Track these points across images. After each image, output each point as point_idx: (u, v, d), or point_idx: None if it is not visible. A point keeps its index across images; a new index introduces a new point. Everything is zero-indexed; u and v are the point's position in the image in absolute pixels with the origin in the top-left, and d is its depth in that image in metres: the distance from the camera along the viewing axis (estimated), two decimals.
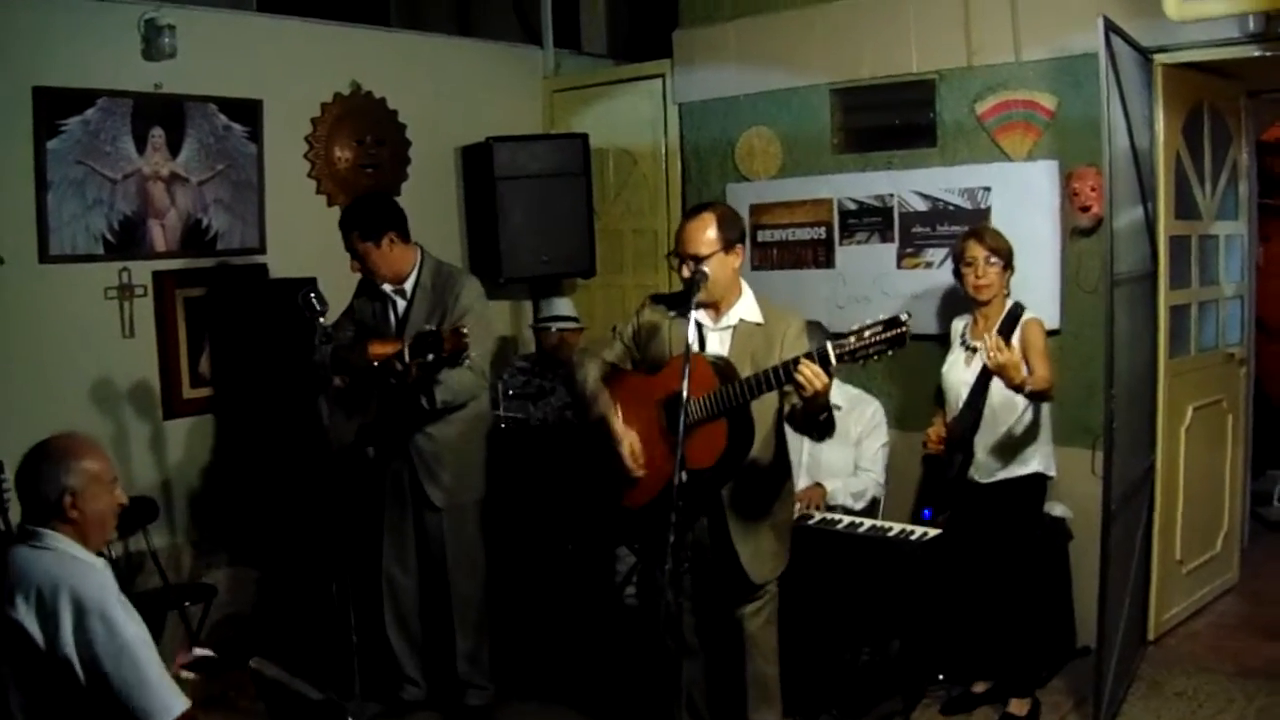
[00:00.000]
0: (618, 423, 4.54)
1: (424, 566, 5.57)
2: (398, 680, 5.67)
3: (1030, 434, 5.24)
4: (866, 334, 3.89)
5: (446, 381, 5.19)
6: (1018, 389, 5.00)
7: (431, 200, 7.35)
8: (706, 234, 4.44)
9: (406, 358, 4.88)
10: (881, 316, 3.90)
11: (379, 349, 5.14)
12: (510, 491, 6.21)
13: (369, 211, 5.37)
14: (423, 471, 5.40)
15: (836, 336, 3.96)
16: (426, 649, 5.68)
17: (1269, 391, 8.40)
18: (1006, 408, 5.22)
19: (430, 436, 5.37)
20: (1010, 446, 5.24)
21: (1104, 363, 4.95)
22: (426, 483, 5.41)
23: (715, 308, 4.57)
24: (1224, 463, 6.66)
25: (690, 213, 4.61)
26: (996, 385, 5.13)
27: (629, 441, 4.50)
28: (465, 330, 4.82)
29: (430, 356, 4.82)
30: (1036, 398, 5.09)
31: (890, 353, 3.91)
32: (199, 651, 3.81)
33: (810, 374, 3.95)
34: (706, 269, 4.37)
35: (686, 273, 4.43)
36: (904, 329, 3.86)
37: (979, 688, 5.56)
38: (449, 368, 5.07)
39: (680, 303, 4.57)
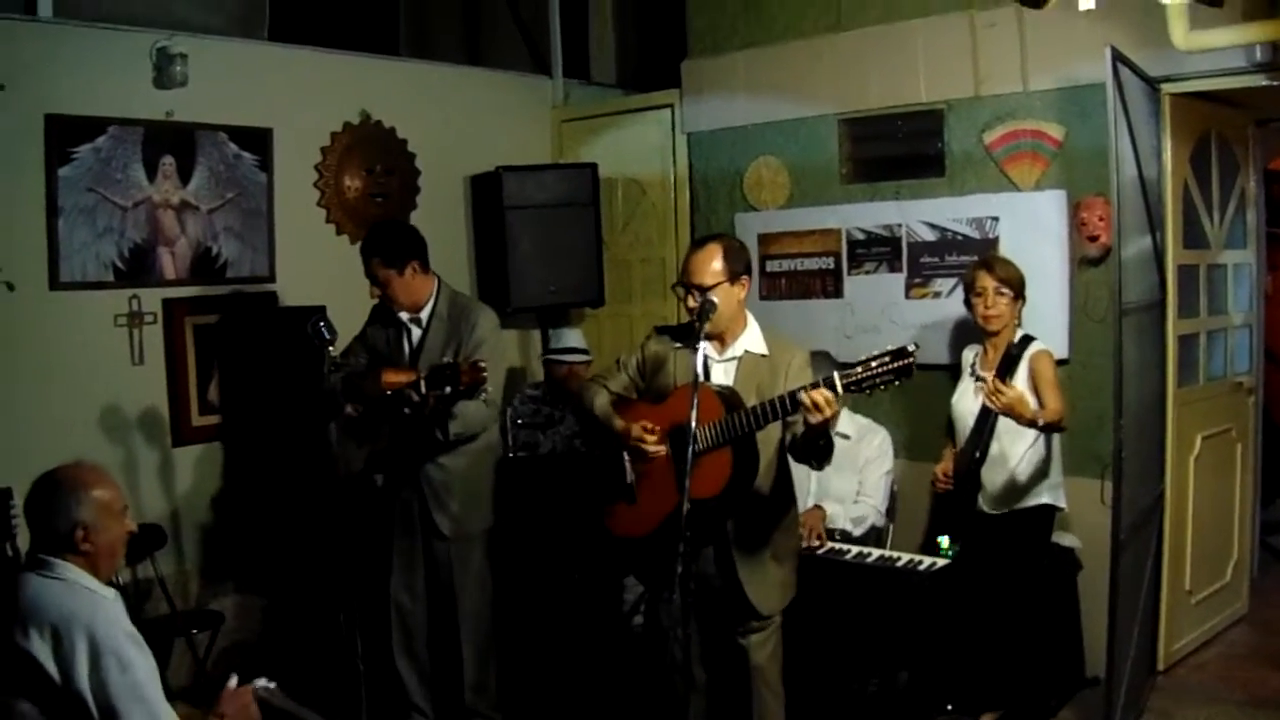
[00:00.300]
0: (620, 421, 4.58)
1: (432, 595, 5.55)
2: (405, 709, 5.65)
3: (1039, 466, 5.23)
4: (874, 364, 3.93)
5: (461, 414, 5.18)
6: (1031, 424, 5.00)
7: (440, 229, 7.33)
8: (712, 265, 4.45)
9: (423, 389, 4.88)
10: (889, 347, 3.93)
11: (393, 378, 5.13)
12: (519, 520, 6.21)
13: (392, 238, 5.35)
14: (432, 501, 5.39)
15: (844, 366, 3.99)
16: (434, 678, 5.67)
17: (1277, 420, 8.39)
18: (1014, 439, 5.21)
19: (441, 466, 5.36)
20: (1019, 478, 5.23)
21: (1113, 392, 4.93)
22: (436, 512, 5.39)
23: (720, 339, 4.58)
24: (1233, 492, 6.64)
25: (696, 244, 4.63)
26: (1008, 418, 5.12)
27: (637, 425, 4.49)
28: (484, 364, 4.82)
29: (448, 389, 4.82)
30: (1050, 430, 5.09)
31: (898, 383, 3.93)
32: (260, 683, 3.80)
33: (820, 399, 3.96)
34: (715, 298, 4.39)
35: (692, 303, 4.45)
36: (911, 359, 3.90)
37: (987, 718, 5.54)
38: (465, 400, 5.08)
39: (685, 334, 4.61)
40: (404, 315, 5.39)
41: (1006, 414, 4.98)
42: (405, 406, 4.98)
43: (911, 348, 3.92)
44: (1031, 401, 5.06)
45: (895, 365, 3.90)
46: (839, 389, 3.96)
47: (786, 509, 4.75)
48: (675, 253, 7.54)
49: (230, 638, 6.34)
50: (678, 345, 4.66)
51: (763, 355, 4.57)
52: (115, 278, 6.13)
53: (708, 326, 4.36)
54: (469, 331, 5.31)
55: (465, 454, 5.38)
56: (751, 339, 4.61)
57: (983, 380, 5.14)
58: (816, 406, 3.97)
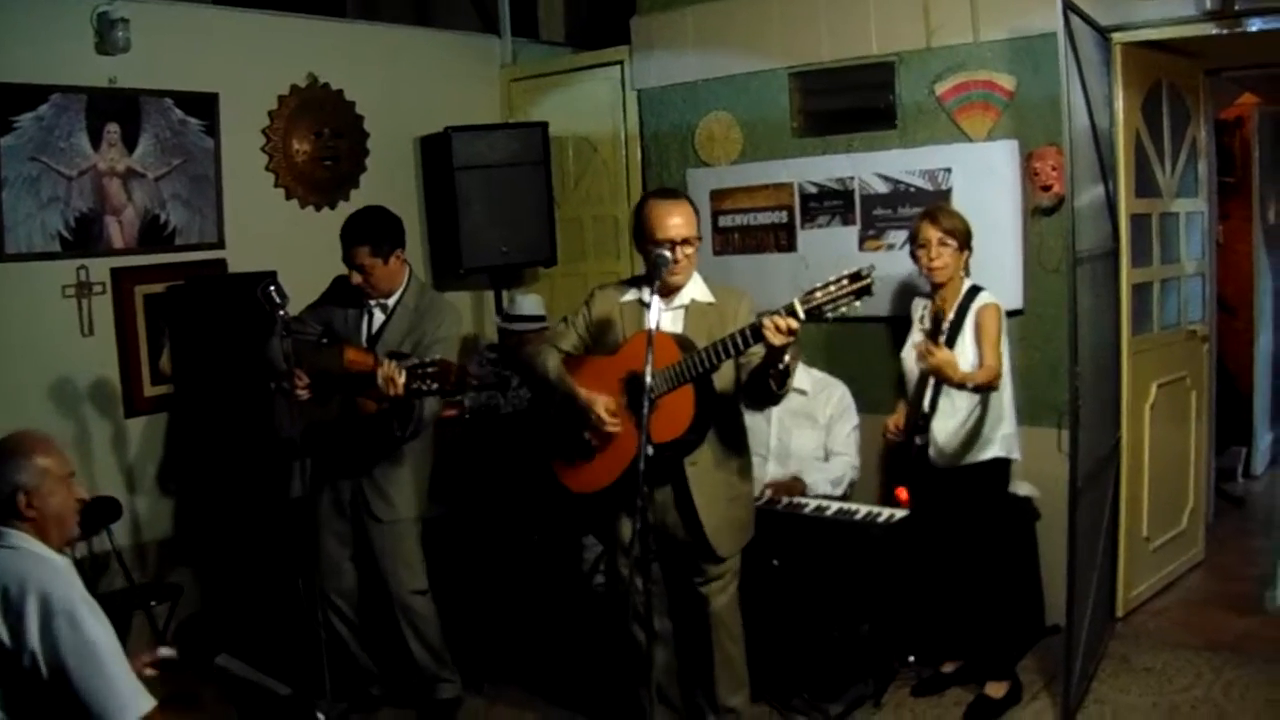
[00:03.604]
0: (584, 391, 4.59)
1: (365, 567, 5.50)
2: (366, 677, 5.63)
3: (988, 419, 5.20)
4: (832, 287, 3.97)
5: (423, 413, 5.15)
6: (960, 387, 4.99)
7: (390, 191, 7.29)
8: (693, 218, 4.55)
9: (401, 382, 4.75)
10: (845, 270, 3.96)
11: (355, 356, 5.06)
12: (478, 483, 6.19)
13: (380, 227, 5.23)
14: (368, 483, 5.32)
15: (805, 293, 4.00)
16: (378, 642, 5.61)
17: (1231, 368, 8.45)
18: (961, 393, 5.19)
19: (382, 449, 5.30)
20: (966, 433, 5.22)
21: (1068, 341, 4.95)
22: (371, 494, 5.32)
23: (671, 290, 4.59)
24: (1188, 439, 6.70)
25: (669, 197, 4.62)
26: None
27: (601, 402, 4.53)
28: (474, 377, 4.73)
29: (435, 386, 4.75)
30: (980, 391, 5.06)
31: (858, 303, 3.97)
32: (163, 651, 3.78)
33: (781, 324, 3.99)
34: (689, 252, 4.46)
35: (684, 253, 4.49)
36: (869, 280, 3.94)
37: (948, 667, 5.57)
38: (440, 399, 5.07)
39: (631, 285, 4.71)
40: (368, 297, 5.32)
41: (936, 375, 4.99)
42: (367, 389, 4.88)
43: (867, 268, 3.95)
44: (970, 356, 5.05)
45: (854, 286, 3.94)
46: (800, 313, 3.98)
47: (740, 452, 4.78)
48: (628, 210, 7.50)
49: (189, 609, 6.31)
50: (624, 298, 4.70)
51: (710, 303, 4.63)
52: (62, 248, 6.04)
53: (680, 277, 4.49)
54: (434, 328, 5.23)
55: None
56: (697, 289, 4.66)
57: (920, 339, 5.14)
58: (778, 330, 4.00)
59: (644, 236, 4.56)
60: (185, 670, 3.71)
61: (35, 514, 3.40)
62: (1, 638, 3.21)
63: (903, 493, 5.45)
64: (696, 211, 4.58)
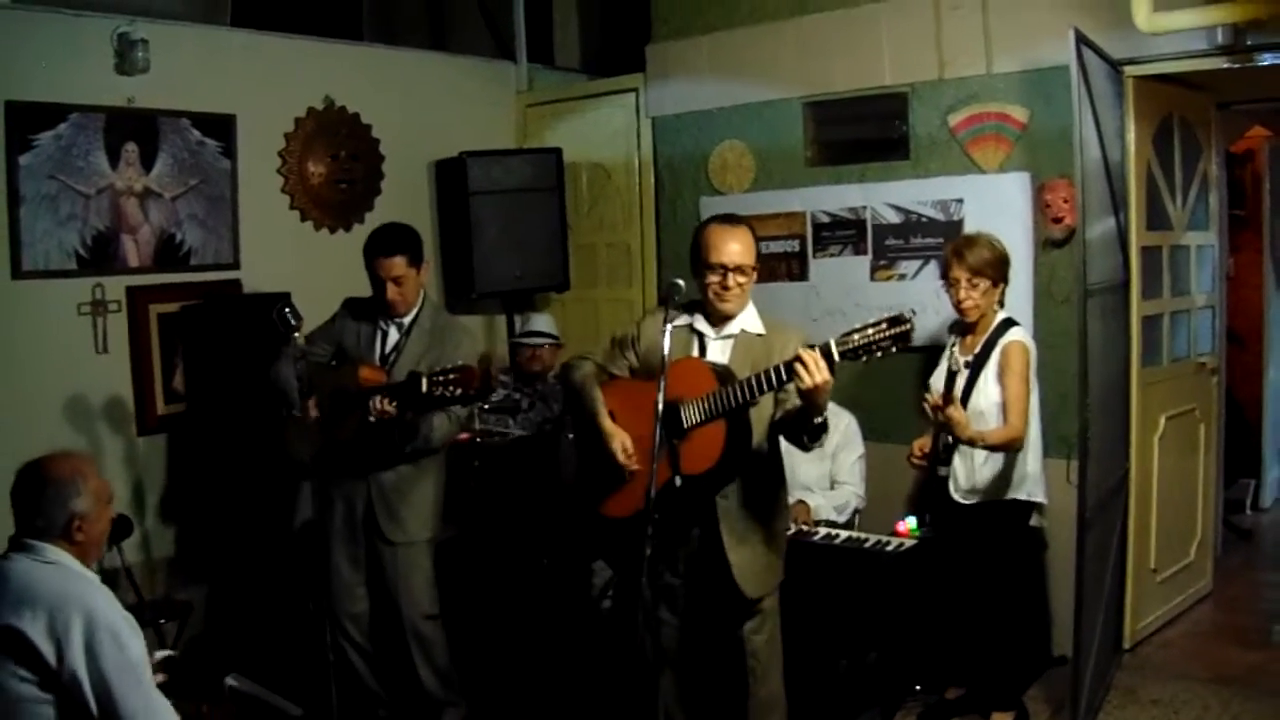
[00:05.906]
0: (606, 421, 4.53)
1: (376, 591, 5.51)
2: (373, 699, 5.63)
3: (1010, 460, 5.14)
4: (871, 330, 3.85)
5: (438, 426, 5.18)
6: (970, 444, 4.97)
7: (405, 215, 7.18)
8: (752, 246, 4.46)
9: (424, 387, 4.75)
10: (885, 314, 3.87)
11: (369, 375, 5.06)
12: (487, 506, 6.20)
13: (412, 238, 5.29)
14: (379, 503, 5.30)
15: (841, 335, 3.91)
16: (386, 666, 5.62)
17: (1240, 400, 8.45)
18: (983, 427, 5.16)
19: (394, 470, 5.29)
20: (987, 472, 5.16)
21: (1078, 373, 4.95)
22: (382, 516, 5.31)
23: (723, 319, 4.53)
24: (1197, 471, 6.69)
25: (729, 223, 4.51)
26: (975, 402, 5.10)
27: (620, 439, 4.47)
28: (497, 376, 4.73)
29: (458, 391, 4.74)
30: (999, 450, 5.02)
31: (895, 350, 3.86)
32: (159, 653, 3.81)
33: (812, 364, 3.86)
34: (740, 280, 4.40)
35: (735, 281, 4.42)
36: (909, 326, 3.83)
37: (952, 693, 5.56)
38: (463, 406, 5.07)
39: (684, 310, 4.54)
40: (382, 317, 5.34)
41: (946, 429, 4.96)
42: (399, 402, 4.89)
43: (909, 314, 3.85)
44: (992, 393, 5.04)
45: (893, 332, 3.82)
46: (835, 355, 3.88)
47: (778, 491, 4.68)
48: (640, 237, 7.58)
49: (199, 627, 6.32)
50: (674, 323, 4.32)
51: (759, 334, 4.53)
52: (78, 266, 6.09)
53: (732, 305, 4.44)
54: (451, 349, 5.23)
55: (417, 459, 5.34)
56: (749, 319, 4.57)
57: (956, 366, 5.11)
58: (808, 370, 3.86)
59: (697, 259, 4.49)
60: (191, 679, 3.73)
61: (83, 538, 3.46)
62: (44, 653, 3.25)
63: (902, 526, 5.46)
64: (758, 241, 4.50)
